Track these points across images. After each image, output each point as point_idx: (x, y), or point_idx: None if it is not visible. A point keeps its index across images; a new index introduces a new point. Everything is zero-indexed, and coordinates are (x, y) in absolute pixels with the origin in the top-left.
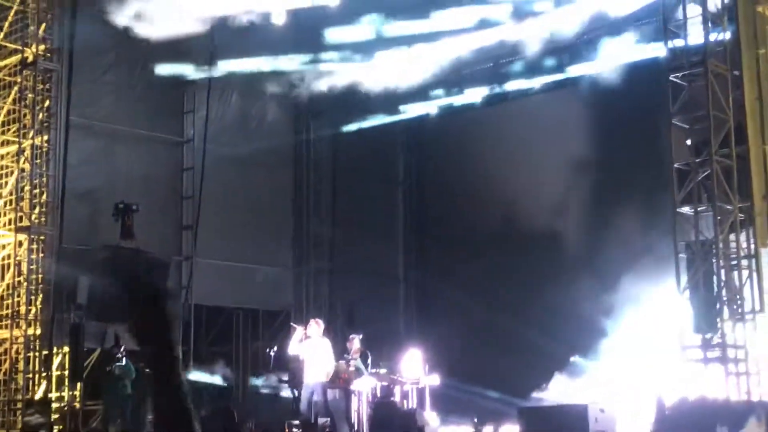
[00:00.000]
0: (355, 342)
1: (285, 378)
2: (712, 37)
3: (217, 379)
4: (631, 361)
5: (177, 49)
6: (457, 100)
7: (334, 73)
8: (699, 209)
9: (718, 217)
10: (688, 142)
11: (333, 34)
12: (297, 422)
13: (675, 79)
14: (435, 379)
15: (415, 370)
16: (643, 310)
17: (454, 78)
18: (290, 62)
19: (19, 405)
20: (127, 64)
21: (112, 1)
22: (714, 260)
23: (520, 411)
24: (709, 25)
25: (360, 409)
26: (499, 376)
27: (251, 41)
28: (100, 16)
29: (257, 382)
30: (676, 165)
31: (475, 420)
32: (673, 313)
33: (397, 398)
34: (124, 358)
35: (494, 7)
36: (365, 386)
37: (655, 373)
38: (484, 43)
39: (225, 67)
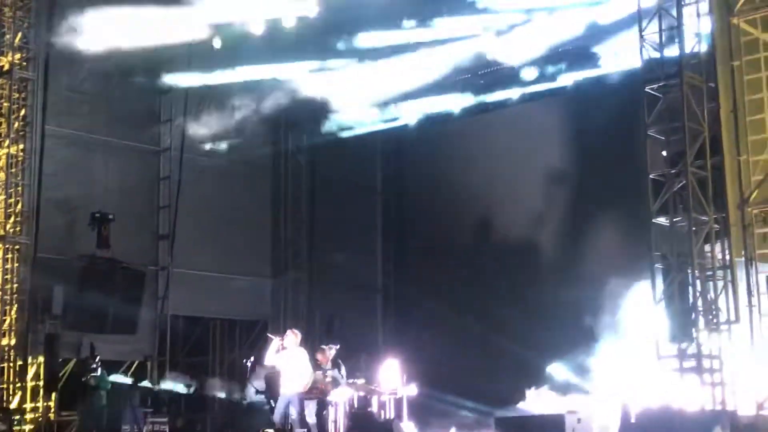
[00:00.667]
0: (327, 352)
1: (261, 388)
2: (688, 48)
3: (192, 390)
4: (608, 369)
5: (154, 58)
6: (436, 110)
7: (313, 83)
8: (675, 220)
9: (694, 228)
10: (664, 153)
11: (312, 45)
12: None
13: (651, 91)
14: (413, 390)
15: (392, 381)
16: (620, 319)
17: (433, 88)
18: (268, 72)
19: None
20: (104, 74)
21: (89, 10)
22: (689, 271)
23: (497, 421)
24: (685, 37)
25: (337, 419)
26: (477, 385)
27: (230, 51)
28: (77, 26)
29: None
30: (651, 176)
31: (453, 430)
32: (649, 322)
33: (374, 409)
34: (99, 369)
35: (474, 18)
36: (342, 397)
37: (630, 382)
38: (464, 54)
39: (203, 77)
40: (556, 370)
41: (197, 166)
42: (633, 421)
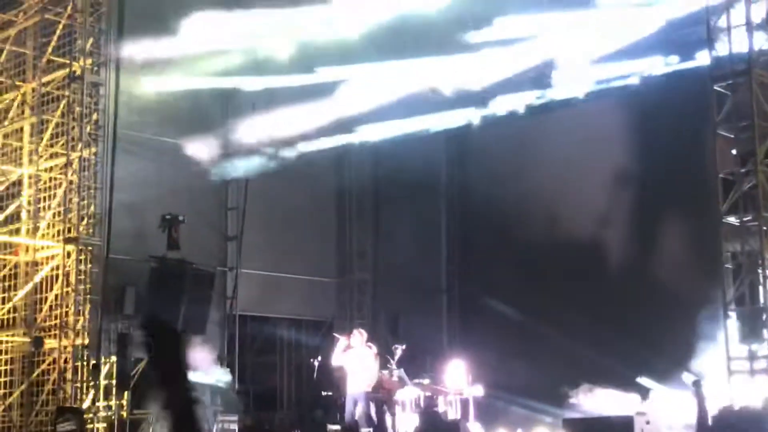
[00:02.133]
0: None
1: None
2: (757, 45)
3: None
4: (679, 371)
5: (222, 61)
6: (500, 110)
7: (375, 82)
8: (745, 219)
9: (764, 228)
10: (734, 151)
11: (376, 46)
12: (339, 428)
13: (719, 88)
14: (479, 390)
15: (458, 381)
16: (687, 320)
17: (498, 87)
18: (332, 73)
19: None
20: (173, 76)
21: (159, 15)
22: (760, 271)
23: (565, 421)
24: (753, 33)
25: (403, 419)
26: (543, 386)
27: (293, 54)
28: (147, 30)
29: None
30: (721, 175)
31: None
32: (719, 324)
33: (440, 409)
34: None
35: (541, 17)
36: (408, 396)
37: (704, 384)
38: (530, 53)
39: (271, 79)
40: (624, 370)
41: (264, 168)
42: (710, 423)
